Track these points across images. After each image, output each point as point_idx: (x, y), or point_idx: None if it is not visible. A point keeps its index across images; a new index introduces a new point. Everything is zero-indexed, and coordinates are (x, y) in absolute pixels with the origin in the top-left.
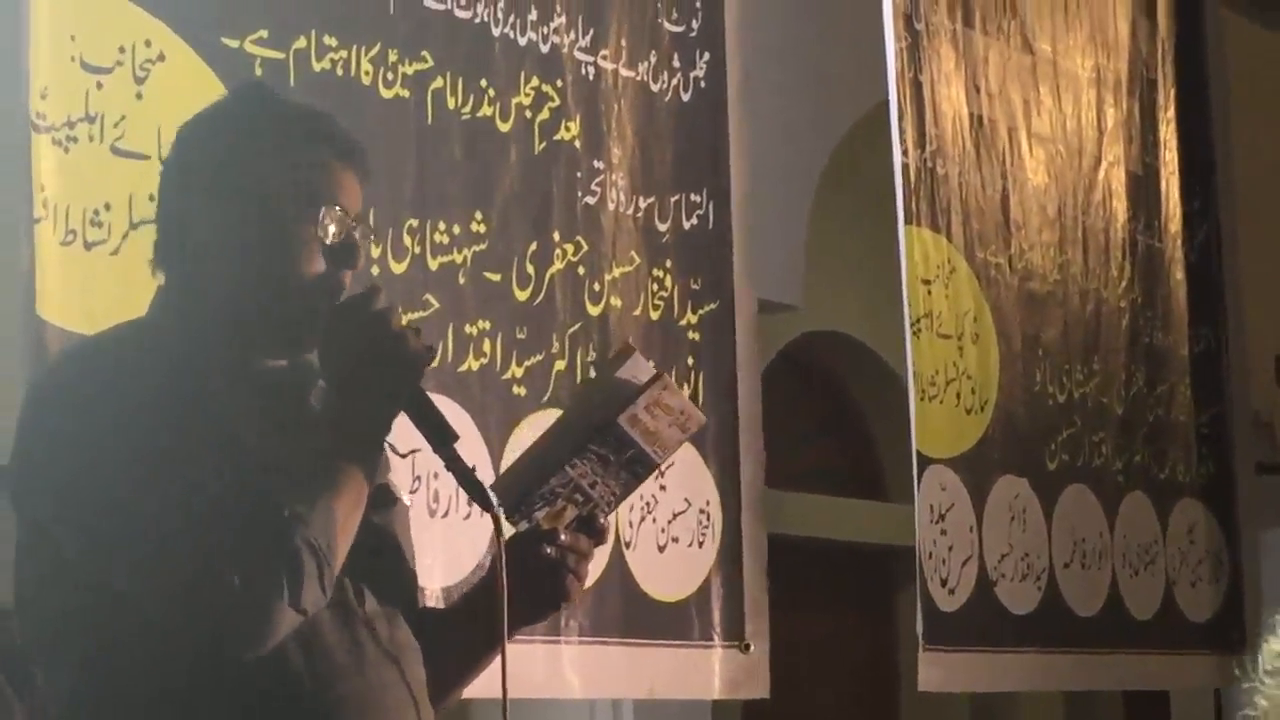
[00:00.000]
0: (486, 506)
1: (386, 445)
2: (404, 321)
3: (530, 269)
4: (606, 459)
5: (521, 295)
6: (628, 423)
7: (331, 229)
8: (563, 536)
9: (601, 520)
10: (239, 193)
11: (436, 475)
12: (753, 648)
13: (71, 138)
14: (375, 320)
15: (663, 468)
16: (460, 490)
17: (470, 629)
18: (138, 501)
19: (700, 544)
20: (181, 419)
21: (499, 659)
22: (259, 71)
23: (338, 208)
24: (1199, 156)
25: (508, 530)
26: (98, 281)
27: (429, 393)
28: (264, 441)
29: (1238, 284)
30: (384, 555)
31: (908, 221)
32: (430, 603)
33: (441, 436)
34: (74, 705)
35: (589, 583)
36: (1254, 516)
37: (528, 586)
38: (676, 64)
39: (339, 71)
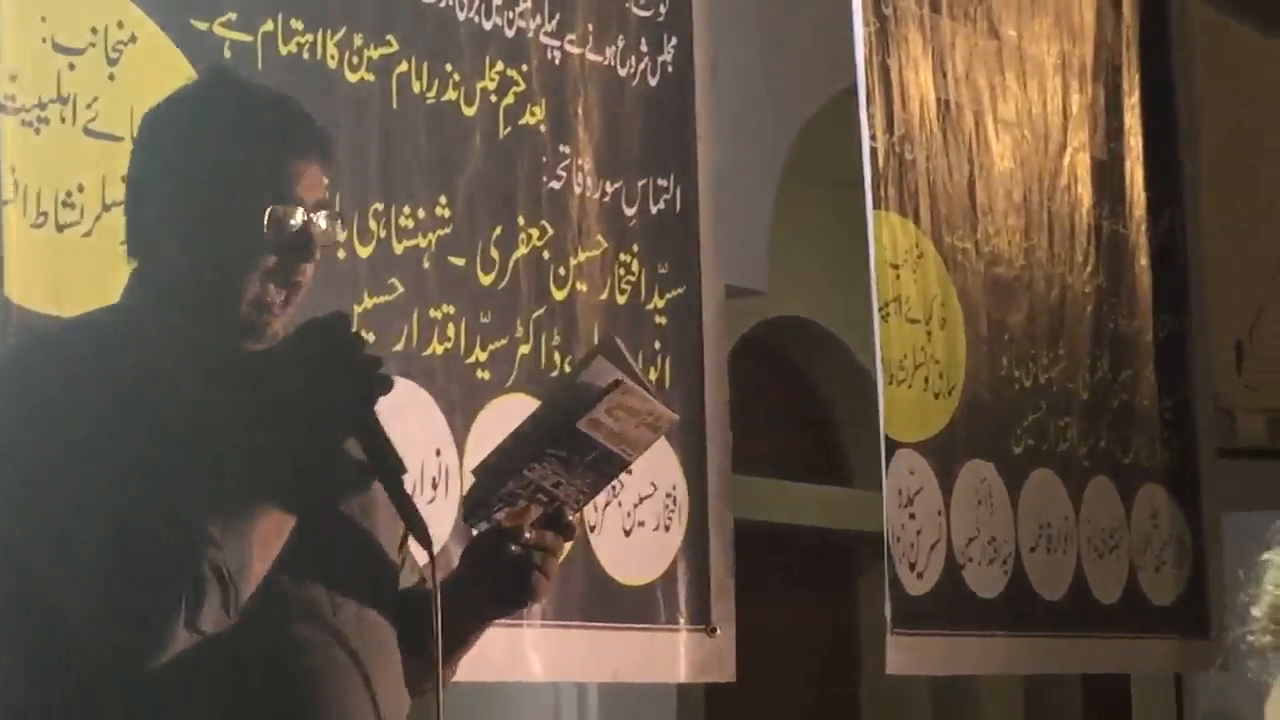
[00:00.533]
0: (425, 544)
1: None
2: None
3: (494, 253)
4: (569, 461)
5: (486, 280)
6: (588, 427)
7: (284, 227)
8: (528, 534)
9: (569, 517)
10: (195, 179)
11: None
12: (719, 632)
13: (43, 119)
14: (347, 343)
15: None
16: (422, 474)
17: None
18: (59, 495)
19: (667, 528)
20: (124, 412)
21: (482, 636)
22: (228, 54)
23: (282, 207)
24: (1163, 143)
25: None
26: (70, 264)
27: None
28: (200, 447)
29: (1201, 270)
30: (350, 538)
31: (876, 206)
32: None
33: (389, 467)
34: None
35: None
36: (1217, 501)
37: (494, 583)
38: (644, 49)
39: (305, 55)
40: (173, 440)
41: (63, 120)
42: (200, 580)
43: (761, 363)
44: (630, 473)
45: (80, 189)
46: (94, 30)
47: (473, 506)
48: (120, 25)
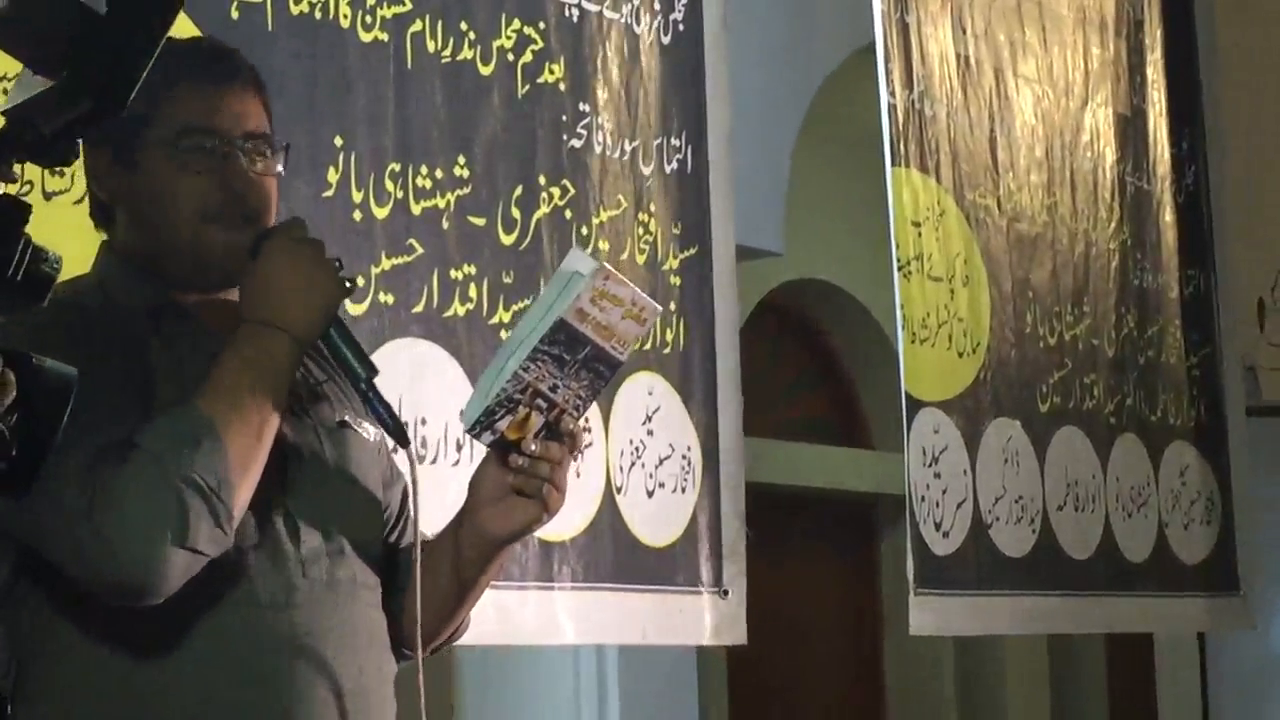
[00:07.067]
0: (402, 442)
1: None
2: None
3: (516, 213)
4: (561, 359)
5: (507, 239)
6: (575, 318)
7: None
8: (532, 446)
9: (570, 425)
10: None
11: (424, 421)
12: (730, 594)
13: None
14: (306, 247)
15: (650, 413)
16: (445, 436)
17: (445, 564)
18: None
19: (683, 490)
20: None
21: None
22: (235, 15)
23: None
24: (1187, 98)
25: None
26: (59, 232)
27: (410, 337)
28: (169, 386)
29: (1226, 226)
30: (330, 490)
31: (895, 163)
32: None
33: (360, 369)
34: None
35: (582, 526)
36: (1245, 458)
37: (504, 502)
38: (657, 6)
39: (317, 14)
40: (161, 372)
41: None
42: (177, 495)
43: (781, 325)
44: (651, 434)
45: None
46: None
47: (476, 418)
48: None
